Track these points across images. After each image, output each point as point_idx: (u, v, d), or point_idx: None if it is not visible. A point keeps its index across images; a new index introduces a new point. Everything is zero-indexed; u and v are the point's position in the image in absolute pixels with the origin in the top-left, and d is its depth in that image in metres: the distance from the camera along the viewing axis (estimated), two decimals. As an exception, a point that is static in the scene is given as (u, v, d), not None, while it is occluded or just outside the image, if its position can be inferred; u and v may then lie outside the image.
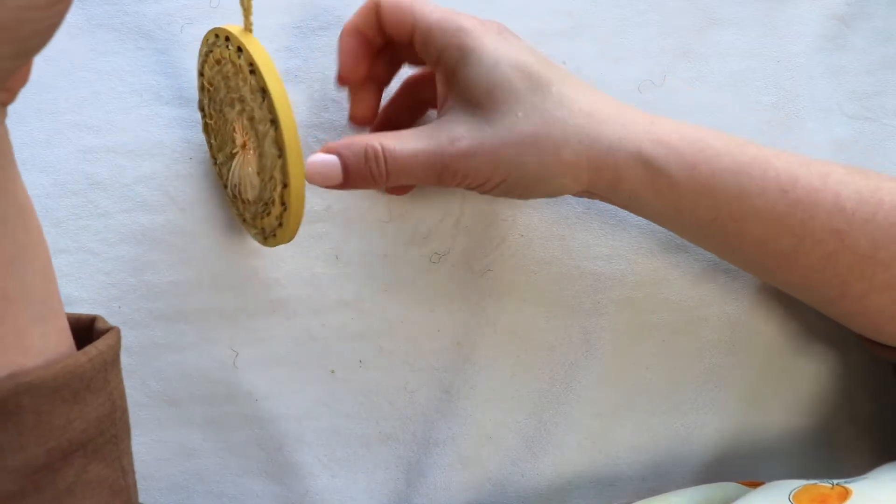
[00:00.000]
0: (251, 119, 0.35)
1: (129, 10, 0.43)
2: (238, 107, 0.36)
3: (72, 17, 0.43)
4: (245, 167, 0.37)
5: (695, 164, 0.34)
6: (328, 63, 0.43)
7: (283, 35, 0.44)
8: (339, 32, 0.38)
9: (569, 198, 0.44)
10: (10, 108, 0.43)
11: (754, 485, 0.37)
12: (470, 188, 0.36)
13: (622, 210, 0.43)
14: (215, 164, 0.41)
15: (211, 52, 0.37)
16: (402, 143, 0.34)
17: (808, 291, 0.38)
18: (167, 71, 0.43)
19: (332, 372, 0.43)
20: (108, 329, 0.32)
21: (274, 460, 0.42)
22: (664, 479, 0.44)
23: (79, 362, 0.29)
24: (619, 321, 0.43)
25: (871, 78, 0.46)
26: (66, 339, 0.31)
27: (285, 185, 0.34)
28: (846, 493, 0.31)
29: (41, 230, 0.31)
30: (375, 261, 0.43)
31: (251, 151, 0.36)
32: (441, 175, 0.35)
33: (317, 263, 0.42)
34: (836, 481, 0.33)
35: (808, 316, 0.44)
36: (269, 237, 0.38)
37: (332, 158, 0.35)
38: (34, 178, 0.41)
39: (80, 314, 0.34)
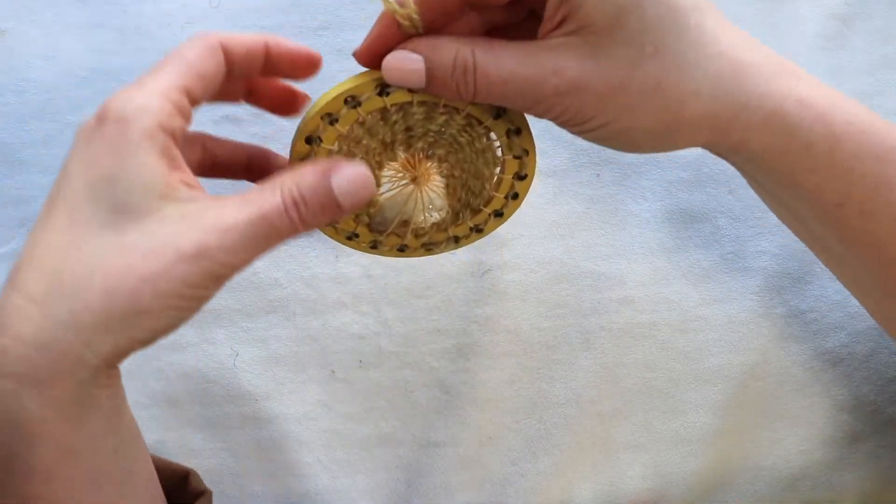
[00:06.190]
0: (448, 143, 0.35)
1: (129, 10, 0.43)
2: (401, 147, 0.35)
3: (72, 17, 0.43)
4: (424, 195, 0.37)
5: (841, 138, 0.28)
6: (328, 62, 0.43)
7: (283, 35, 0.44)
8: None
9: (569, 197, 0.44)
10: (10, 108, 0.44)
11: None
12: (563, 125, 0.30)
13: (622, 210, 0.44)
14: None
15: (336, 120, 0.33)
16: (496, 60, 0.28)
17: None
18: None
19: (332, 372, 0.43)
20: (202, 491, 0.34)
21: (274, 460, 0.42)
22: (664, 480, 0.44)
23: None
24: (619, 321, 0.43)
25: (870, 78, 0.46)
26: None
27: (522, 178, 0.35)
28: None
29: (149, 458, 0.31)
30: (375, 261, 0.42)
31: (431, 176, 0.37)
32: (534, 107, 0.29)
33: (317, 263, 0.42)
34: None
35: (809, 315, 0.44)
36: (461, 239, 0.38)
37: (416, 59, 0.28)
38: (34, 179, 0.41)
39: (174, 464, 0.35)
